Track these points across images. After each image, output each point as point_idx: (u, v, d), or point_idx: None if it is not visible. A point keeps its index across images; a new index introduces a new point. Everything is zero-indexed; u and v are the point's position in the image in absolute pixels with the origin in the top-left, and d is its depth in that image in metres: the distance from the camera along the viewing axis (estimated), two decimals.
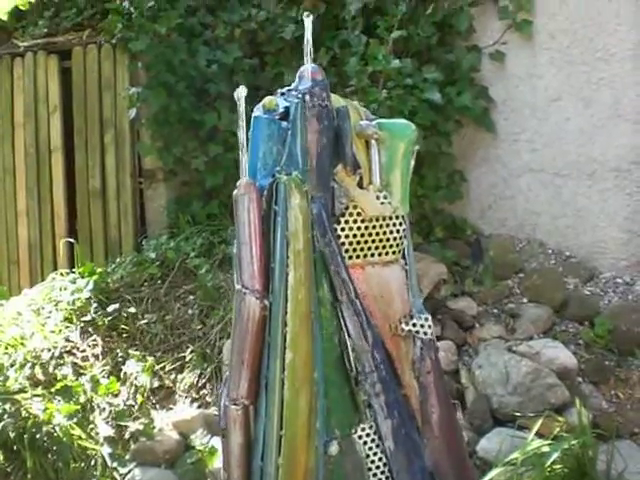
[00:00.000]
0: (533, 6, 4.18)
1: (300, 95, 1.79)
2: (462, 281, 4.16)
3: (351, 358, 1.83)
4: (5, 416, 3.35)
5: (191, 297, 4.21)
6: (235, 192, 1.76)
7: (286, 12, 4.53)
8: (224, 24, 4.58)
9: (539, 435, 3.10)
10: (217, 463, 3.31)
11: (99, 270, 4.37)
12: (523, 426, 3.27)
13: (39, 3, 4.29)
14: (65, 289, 4.19)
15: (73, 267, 4.58)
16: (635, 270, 4.14)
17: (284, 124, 1.80)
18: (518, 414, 3.33)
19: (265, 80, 4.64)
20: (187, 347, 3.94)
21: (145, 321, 4.08)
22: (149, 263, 4.39)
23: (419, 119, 4.06)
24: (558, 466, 2.95)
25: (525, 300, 4.05)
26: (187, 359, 3.89)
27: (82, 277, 4.29)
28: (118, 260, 4.57)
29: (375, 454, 1.86)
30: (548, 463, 2.92)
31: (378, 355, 1.84)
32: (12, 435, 3.30)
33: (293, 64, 4.47)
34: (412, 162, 1.96)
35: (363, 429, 1.87)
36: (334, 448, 1.81)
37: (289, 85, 4.53)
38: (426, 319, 1.92)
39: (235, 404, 1.75)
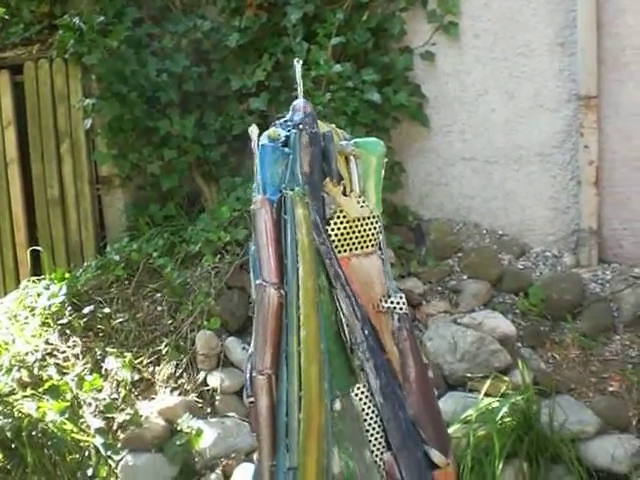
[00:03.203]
0: (459, 9, 4.65)
1: (296, 125, 2.29)
2: (408, 263, 4.57)
3: (346, 332, 2.31)
4: (1, 417, 3.65)
5: (158, 295, 4.51)
6: (252, 206, 2.28)
7: (229, 21, 4.91)
8: (170, 34, 4.95)
9: (488, 395, 3.54)
10: (203, 443, 3.71)
11: (67, 275, 4.65)
12: (473, 389, 3.73)
13: None
14: (40, 295, 4.49)
15: (36, 275, 4.84)
16: (562, 244, 4.60)
17: (286, 150, 2.29)
18: (469, 375, 3.75)
19: (212, 86, 5.07)
20: (161, 341, 4.26)
21: (119, 320, 4.38)
22: (114, 265, 4.65)
23: (361, 118, 4.54)
24: (508, 419, 3.40)
25: (465, 277, 4.48)
26: (163, 352, 4.21)
27: (54, 283, 4.57)
28: (85, 264, 4.83)
29: (369, 407, 2.35)
30: (499, 417, 3.37)
31: (366, 329, 2.34)
32: (9, 434, 3.60)
33: (238, 70, 4.89)
34: (382, 172, 2.49)
35: (358, 388, 2.34)
36: (337, 405, 2.29)
37: (235, 89, 4.86)
38: (401, 297, 2.43)
39: (261, 374, 2.25)
